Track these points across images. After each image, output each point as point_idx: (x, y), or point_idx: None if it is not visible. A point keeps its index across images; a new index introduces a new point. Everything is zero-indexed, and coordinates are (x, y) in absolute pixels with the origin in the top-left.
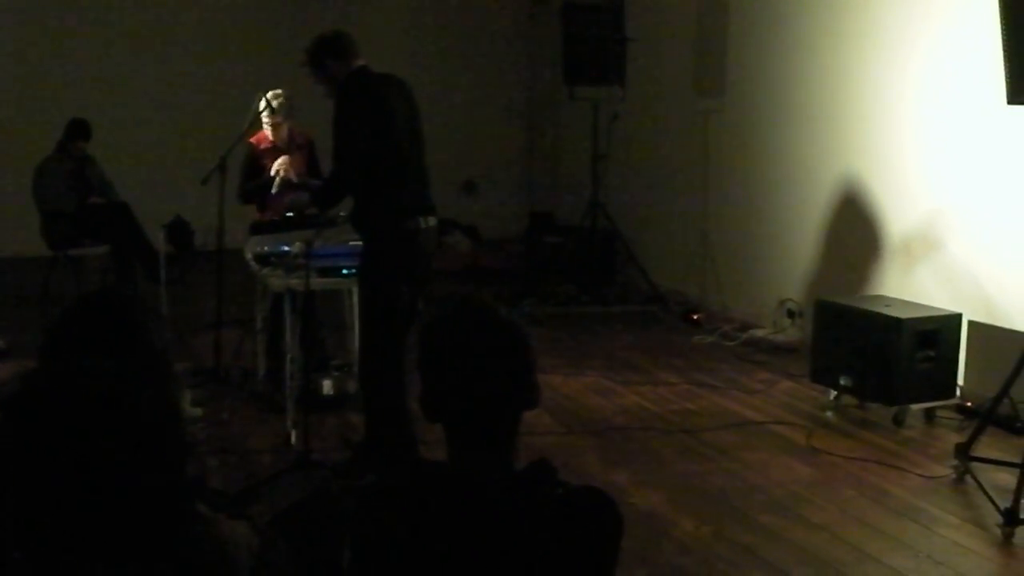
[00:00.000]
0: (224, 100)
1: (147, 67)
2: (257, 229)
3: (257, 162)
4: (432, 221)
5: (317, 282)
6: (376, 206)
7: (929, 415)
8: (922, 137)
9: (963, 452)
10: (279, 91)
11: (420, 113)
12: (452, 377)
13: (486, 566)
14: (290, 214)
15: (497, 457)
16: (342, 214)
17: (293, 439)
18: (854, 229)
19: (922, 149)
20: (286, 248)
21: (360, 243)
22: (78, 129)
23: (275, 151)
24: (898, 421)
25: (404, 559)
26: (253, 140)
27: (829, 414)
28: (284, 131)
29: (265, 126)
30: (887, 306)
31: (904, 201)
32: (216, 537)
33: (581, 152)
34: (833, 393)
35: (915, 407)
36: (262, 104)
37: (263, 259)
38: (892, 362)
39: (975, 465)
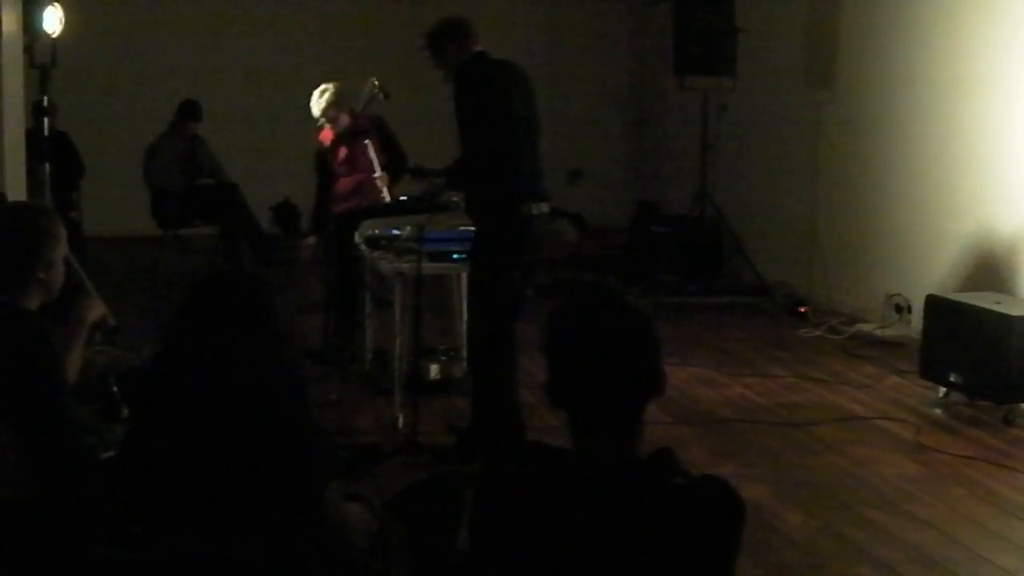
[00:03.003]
0: (333, 82)
1: (258, 49)
2: (341, 220)
3: (324, 158)
4: (544, 208)
5: (427, 267)
6: (491, 191)
7: None
8: None
9: None
10: (327, 86)
11: (536, 100)
12: (578, 363)
13: (606, 553)
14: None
15: (621, 444)
16: (454, 199)
17: (400, 422)
18: (965, 224)
19: None
20: (396, 232)
21: (470, 228)
22: (189, 110)
23: (339, 143)
24: (1008, 420)
25: (524, 544)
26: (320, 138)
27: (938, 411)
28: (343, 122)
29: (323, 123)
30: (998, 303)
31: (1017, 197)
32: (335, 518)
33: (689, 142)
34: (942, 390)
35: None
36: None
37: (373, 242)
38: (1003, 360)
39: None
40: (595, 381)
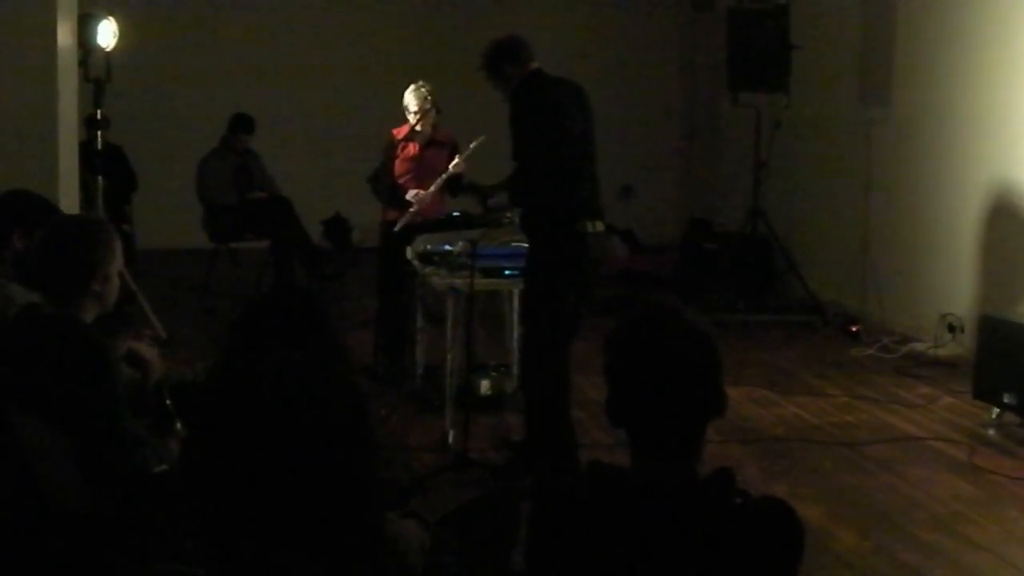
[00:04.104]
0: (386, 98)
1: (310, 62)
2: (389, 230)
3: (392, 151)
4: (600, 226)
5: (479, 282)
6: (546, 209)
7: None
8: None
9: None
10: (420, 82)
11: (593, 118)
12: (640, 383)
13: (665, 573)
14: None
15: (680, 464)
16: (508, 215)
17: (451, 438)
18: (1019, 243)
19: None
20: (449, 247)
21: (523, 245)
22: (241, 123)
23: (409, 141)
24: None
25: (582, 563)
26: (395, 131)
27: (991, 432)
28: (430, 119)
29: (409, 115)
30: None
31: None
32: (390, 535)
33: (741, 159)
34: (996, 410)
35: None
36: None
37: (426, 258)
38: None
39: None
40: (657, 401)
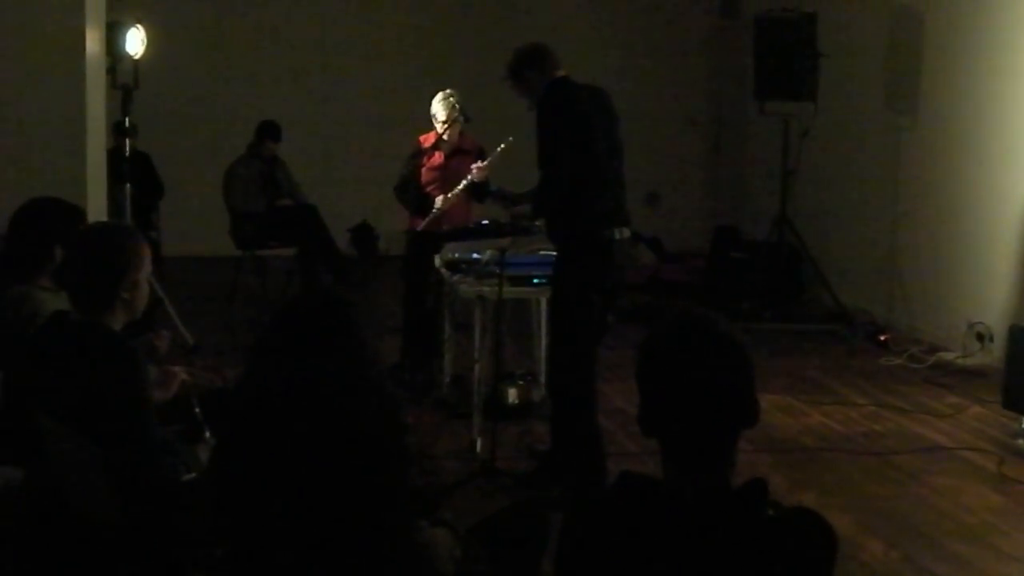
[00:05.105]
0: (413, 106)
1: (337, 70)
2: (415, 238)
3: (417, 159)
4: (626, 233)
5: (507, 291)
6: (572, 216)
7: None
8: None
9: None
10: (450, 91)
11: (619, 124)
12: (673, 392)
13: None
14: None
15: (713, 474)
16: (537, 223)
17: (478, 447)
18: None
19: None
20: (477, 256)
21: (551, 253)
22: (268, 131)
23: (436, 150)
24: None
25: (612, 574)
26: (421, 138)
27: (1021, 442)
28: (457, 128)
29: (437, 124)
30: None
31: None
32: (420, 543)
33: (769, 167)
34: None
35: None
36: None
37: (453, 266)
38: None
39: None
40: (690, 410)
